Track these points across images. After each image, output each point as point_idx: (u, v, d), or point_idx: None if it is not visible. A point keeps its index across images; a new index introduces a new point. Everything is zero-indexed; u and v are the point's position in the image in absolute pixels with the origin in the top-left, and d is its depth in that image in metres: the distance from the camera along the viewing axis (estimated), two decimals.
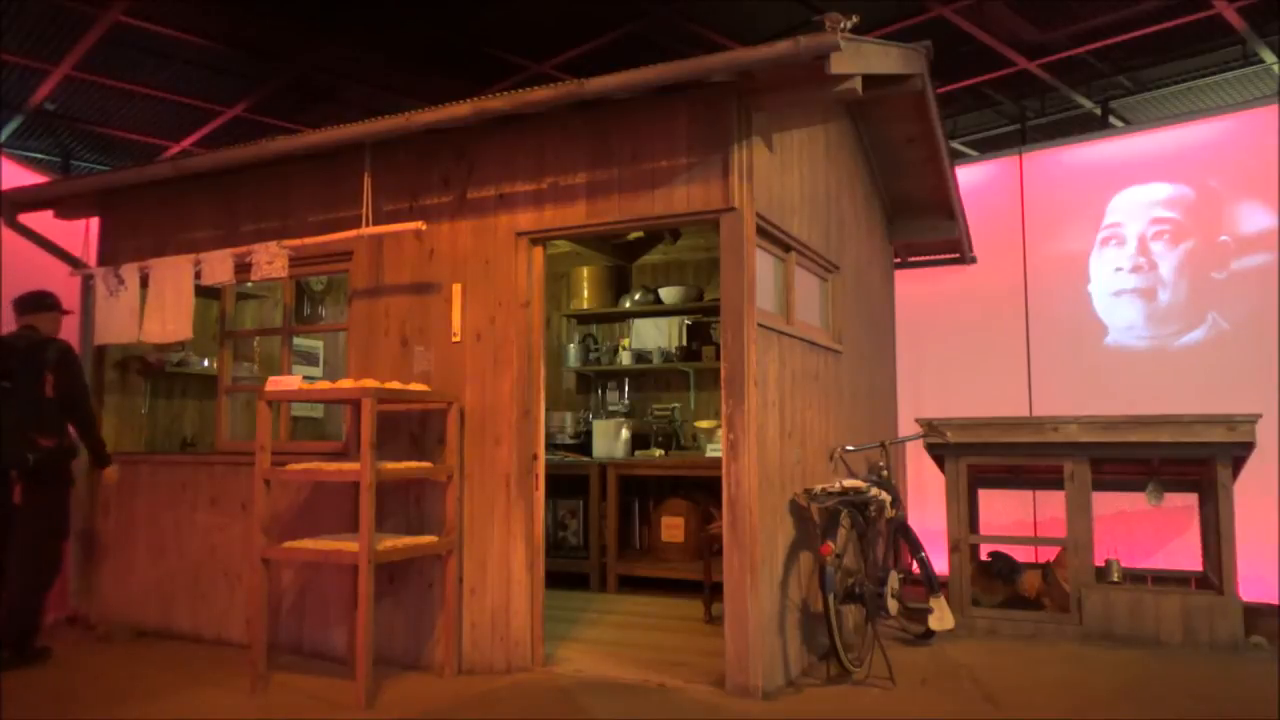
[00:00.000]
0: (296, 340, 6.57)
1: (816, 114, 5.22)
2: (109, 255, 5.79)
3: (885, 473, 5.31)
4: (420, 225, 4.63)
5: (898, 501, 5.21)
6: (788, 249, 4.86)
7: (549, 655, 4.66)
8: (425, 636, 4.61)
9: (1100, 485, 5.50)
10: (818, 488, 4.54)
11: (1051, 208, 6.96)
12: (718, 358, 4.44)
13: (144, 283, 5.33)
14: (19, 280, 5.65)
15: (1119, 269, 6.71)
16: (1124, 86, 8.42)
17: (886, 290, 6.97)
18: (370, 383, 4.20)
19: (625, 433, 6.94)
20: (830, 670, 4.44)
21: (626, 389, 7.66)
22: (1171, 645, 5.09)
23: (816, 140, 5.24)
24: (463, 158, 4.81)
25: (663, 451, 6.95)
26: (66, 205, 5.93)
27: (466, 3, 6.72)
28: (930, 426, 5.68)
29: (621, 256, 7.49)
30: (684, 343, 7.24)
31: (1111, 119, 8.78)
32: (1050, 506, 6.31)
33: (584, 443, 7.21)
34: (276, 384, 4.38)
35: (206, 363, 6.24)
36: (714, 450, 6.36)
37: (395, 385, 4.40)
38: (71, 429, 5.03)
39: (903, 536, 5.35)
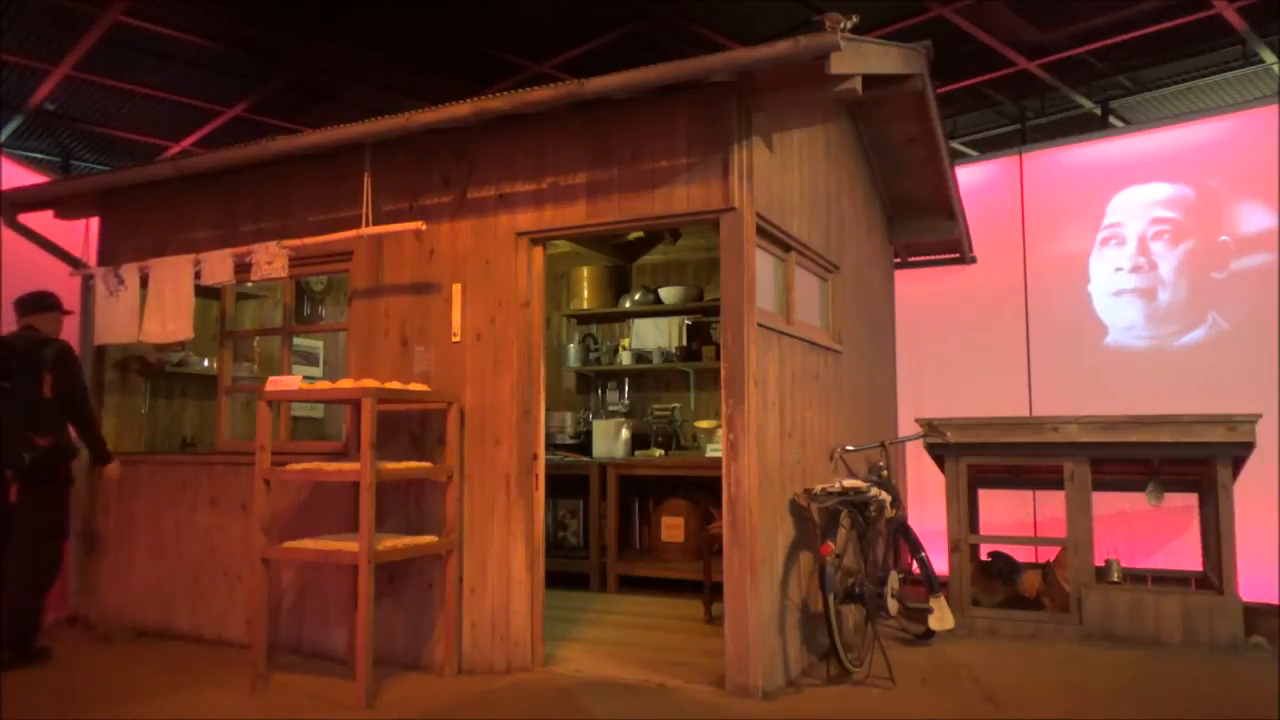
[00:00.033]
0: (296, 340, 6.56)
1: (816, 114, 5.22)
2: (109, 255, 5.79)
3: (885, 473, 5.31)
4: (420, 225, 4.63)
5: (898, 501, 5.21)
6: (788, 249, 4.86)
7: (549, 655, 4.66)
8: (425, 636, 4.61)
9: (1100, 485, 5.50)
10: (818, 488, 4.54)
11: (1051, 208, 6.96)
12: (718, 358, 4.44)
13: (144, 283, 5.33)
14: (19, 280, 5.65)
15: (1119, 269, 6.71)
16: (1124, 86, 8.42)
17: (886, 290, 6.97)
18: (370, 383, 4.20)
19: (625, 433, 6.94)
20: (830, 670, 4.44)
21: (626, 389, 7.66)
22: (1171, 645, 5.09)
23: (816, 140, 5.24)
24: (463, 158, 4.81)
25: (663, 451, 6.95)
26: (66, 205, 5.93)
27: (466, 3, 6.72)
28: (930, 426, 5.68)
29: (621, 256, 7.49)
30: (684, 343, 7.24)
31: (1111, 119, 8.78)
32: (1050, 506, 6.31)
33: (584, 443, 7.21)
34: (276, 384, 4.38)
35: (206, 363, 6.24)
36: (714, 450, 6.36)
37: (395, 385, 4.40)
38: (72, 429, 5.03)
39: (903, 536, 5.35)
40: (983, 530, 6.02)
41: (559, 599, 5.97)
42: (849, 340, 5.72)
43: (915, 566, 5.33)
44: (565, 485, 6.86)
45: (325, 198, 5.09)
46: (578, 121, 4.53)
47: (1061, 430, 5.36)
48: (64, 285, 5.63)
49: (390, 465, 4.28)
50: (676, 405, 7.35)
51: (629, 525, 7.08)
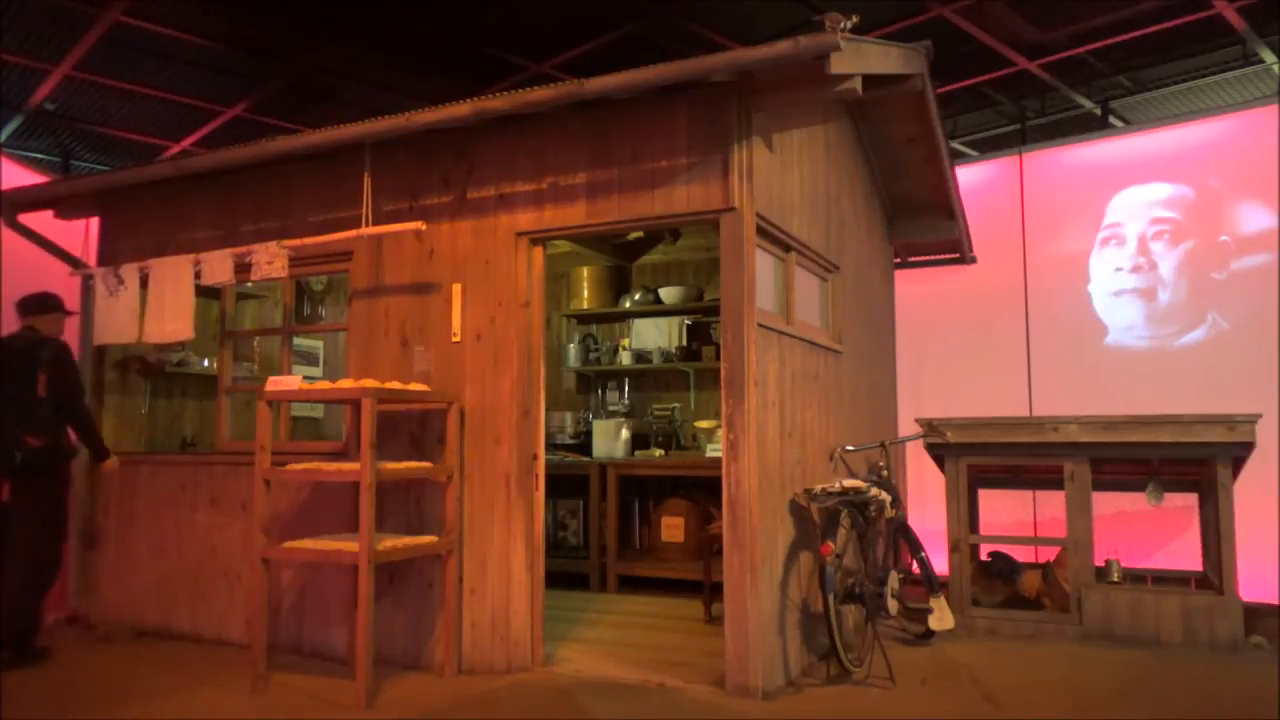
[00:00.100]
0: (296, 340, 6.57)
1: (816, 114, 5.22)
2: (109, 255, 5.79)
3: (885, 473, 5.31)
4: (420, 225, 4.63)
5: (898, 501, 5.21)
6: (788, 249, 4.86)
7: (549, 655, 4.66)
8: (425, 636, 4.61)
9: (1100, 485, 5.50)
10: (818, 488, 4.54)
11: (1051, 208, 6.96)
12: (718, 358, 4.44)
13: (144, 283, 5.33)
14: (19, 280, 5.66)
15: (1119, 269, 6.71)
16: (1124, 86, 8.42)
17: (886, 290, 6.97)
18: (370, 383, 4.20)
19: (625, 433, 6.94)
20: (830, 670, 4.44)
21: (626, 389, 7.66)
22: (1171, 645, 5.09)
23: (816, 140, 5.24)
24: (463, 158, 4.81)
25: (663, 451, 6.95)
26: (66, 205, 5.94)
27: (466, 3, 6.72)
28: (930, 426, 5.68)
29: (621, 256, 7.49)
30: (684, 343, 7.24)
31: (1111, 119, 8.78)
32: (1050, 506, 6.31)
33: (584, 443, 7.21)
34: (276, 384, 4.38)
35: (206, 363, 6.24)
36: (714, 450, 6.36)
37: (395, 385, 4.40)
38: (71, 429, 5.04)
39: (903, 536, 5.34)
40: (983, 530, 6.02)
41: (559, 599, 5.97)
42: (849, 340, 5.72)
43: (915, 566, 5.33)
44: (565, 485, 6.86)
45: (325, 198, 5.09)
46: (578, 121, 4.53)
47: (1061, 430, 5.36)
48: (64, 285, 5.63)
49: (390, 465, 4.28)
50: (676, 405, 7.35)
51: (629, 525, 7.08)
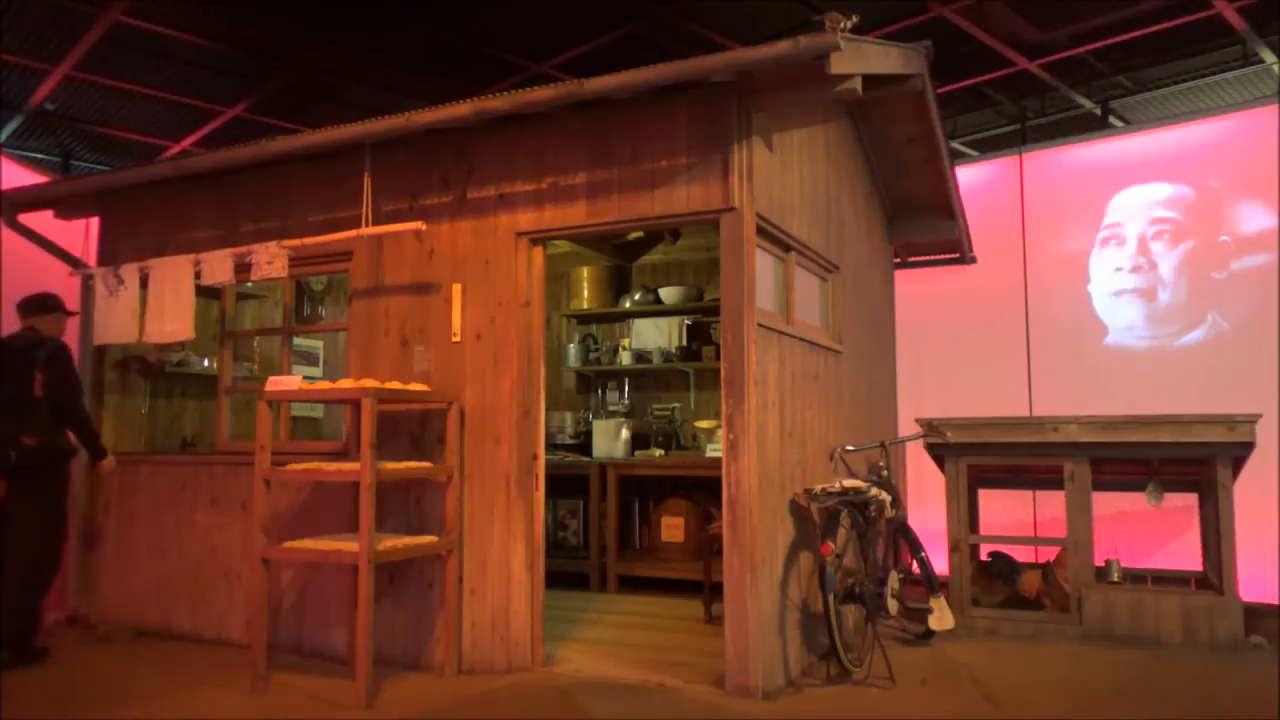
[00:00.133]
0: (296, 340, 6.57)
1: (816, 114, 5.22)
2: (109, 255, 5.79)
3: (885, 473, 5.31)
4: (420, 225, 4.63)
5: (898, 501, 5.21)
6: (788, 249, 4.86)
7: (549, 655, 4.66)
8: (425, 636, 4.61)
9: (1100, 485, 5.50)
10: (818, 488, 4.54)
11: (1051, 208, 6.96)
12: (718, 358, 4.44)
13: (144, 283, 5.33)
14: (19, 280, 5.66)
15: (1119, 269, 6.71)
16: (1124, 86, 8.42)
17: (886, 290, 6.97)
18: (370, 383, 4.20)
19: (625, 433, 6.94)
20: (830, 670, 4.44)
21: (626, 389, 7.66)
22: (1171, 645, 5.09)
23: (816, 140, 5.24)
24: (463, 158, 4.81)
25: (663, 451, 6.95)
26: (66, 205, 5.94)
27: (466, 3, 6.72)
28: (930, 426, 5.68)
29: (621, 256, 7.49)
30: (684, 343, 7.24)
31: (1111, 119, 8.78)
32: (1050, 506, 6.31)
33: (584, 443, 7.21)
34: (276, 384, 4.38)
35: (206, 363, 6.24)
36: (714, 450, 6.36)
37: (395, 385, 4.40)
38: (68, 429, 5.04)
39: (903, 536, 5.34)
40: (983, 530, 6.02)
41: (559, 599, 5.97)
42: (849, 340, 5.72)
43: (915, 566, 5.33)
44: (565, 485, 6.86)
45: (325, 198, 5.09)
46: (578, 121, 4.53)
47: (1061, 430, 5.36)
48: (64, 285, 5.63)
49: (390, 465, 4.28)
50: (676, 405, 7.35)
51: (629, 525, 7.08)
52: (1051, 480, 5.65)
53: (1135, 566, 5.88)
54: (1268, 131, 6.18)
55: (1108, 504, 5.92)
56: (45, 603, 5.02)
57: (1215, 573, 5.26)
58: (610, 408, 7.56)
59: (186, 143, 9.35)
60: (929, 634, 5.15)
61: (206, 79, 7.98)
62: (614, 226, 4.55)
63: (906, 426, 6.65)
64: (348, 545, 4.13)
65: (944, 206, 6.65)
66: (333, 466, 4.31)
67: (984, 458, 5.65)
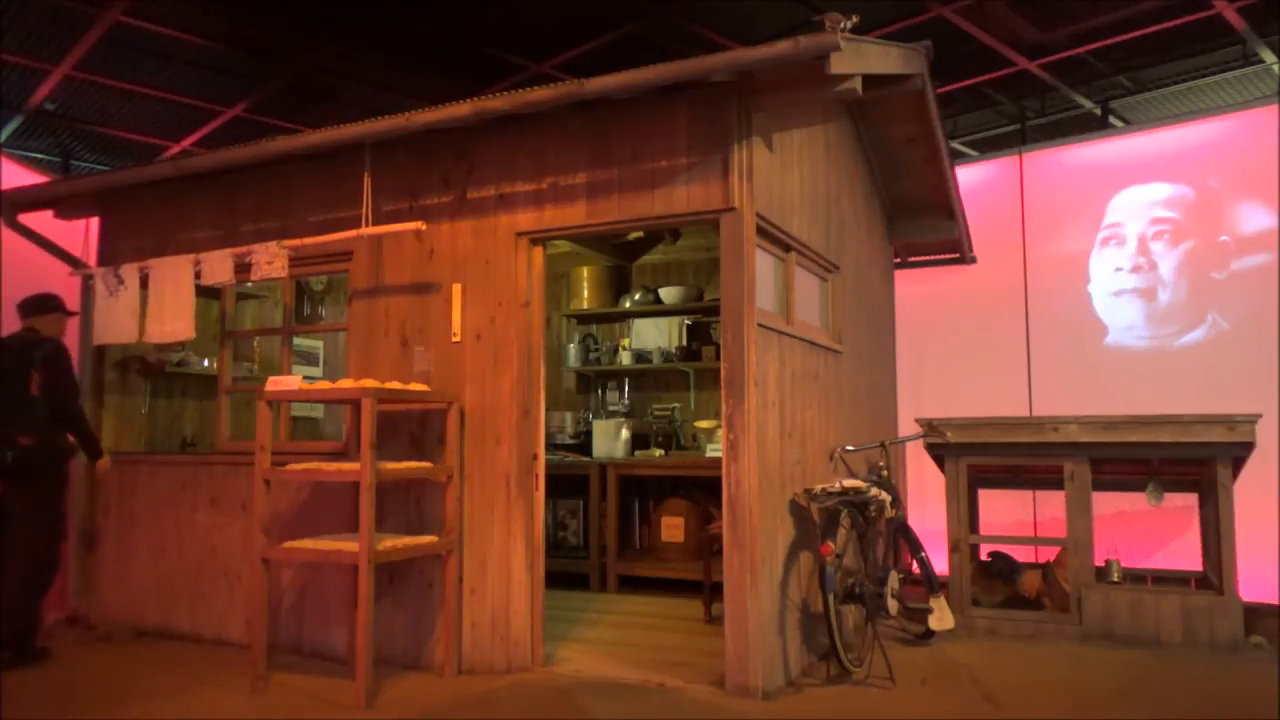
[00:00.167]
0: (296, 340, 6.57)
1: (816, 114, 5.22)
2: (109, 255, 5.79)
3: (885, 473, 5.31)
4: (420, 225, 4.63)
5: (898, 501, 5.21)
6: (788, 249, 4.86)
7: (549, 655, 4.66)
8: (425, 636, 4.61)
9: (1100, 485, 5.50)
10: (818, 488, 4.54)
11: (1051, 208, 6.96)
12: (718, 358, 4.44)
13: (144, 283, 5.33)
14: (19, 280, 5.66)
15: (1119, 269, 6.71)
16: (1124, 86, 8.42)
17: (886, 290, 6.97)
18: (370, 383, 4.20)
19: (625, 433, 6.94)
20: (830, 670, 4.44)
21: (626, 389, 7.66)
22: (1171, 645, 5.09)
23: (816, 140, 5.24)
24: (463, 158, 4.81)
25: (663, 451, 6.95)
26: (66, 205, 5.93)
27: (466, 3, 6.72)
28: (930, 426, 5.68)
29: (621, 256, 7.49)
30: (684, 343, 7.24)
31: (1111, 119, 8.78)
32: (1050, 506, 6.31)
33: (584, 443, 7.21)
34: (276, 384, 4.38)
35: (206, 363, 6.24)
36: (714, 450, 6.36)
37: (395, 385, 4.40)
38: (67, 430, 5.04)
39: (903, 536, 5.34)
40: (983, 530, 6.02)
41: (559, 599, 5.97)
42: (849, 340, 5.72)
43: (915, 566, 5.33)
44: (565, 485, 6.86)
45: (325, 198, 5.09)
46: (578, 121, 4.53)
47: (1061, 430, 5.36)
48: (64, 285, 5.63)
49: (390, 465, 4.28)
50: (676, 405, 7.35)
51: (629, 525, 7.08)
52: (1051, 480, 5.65)
53: (1135, 566, 5.88)
54: (1268, 131, 6.18)
55: (1108, 504, 5.92)
56: (45, 603, 5.02)
57: (1215, 573, 5.26)
58: (610, 408, 7.56)
59: (186, 143, 9.35)
60: (929, 634, 5.15)
61: (206, 79, 7.98)
62: (614, 226, 4.55)
63: (906, 426, 6.65)
64: (348, 545, 4.13)
65: (944, 206, 6.65)
66: (333, 466, 4.31)
67: (984, 458, 5.65)
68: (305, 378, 4.68)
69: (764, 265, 4.49)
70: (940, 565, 5.50)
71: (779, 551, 4.44)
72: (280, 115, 8.75)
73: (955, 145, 9.16)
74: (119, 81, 7.91)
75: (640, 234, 6.62)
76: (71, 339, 5.38)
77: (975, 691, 4.26)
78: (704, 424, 6.88)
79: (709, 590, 5.55)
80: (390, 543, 4.19)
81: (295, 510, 4.98)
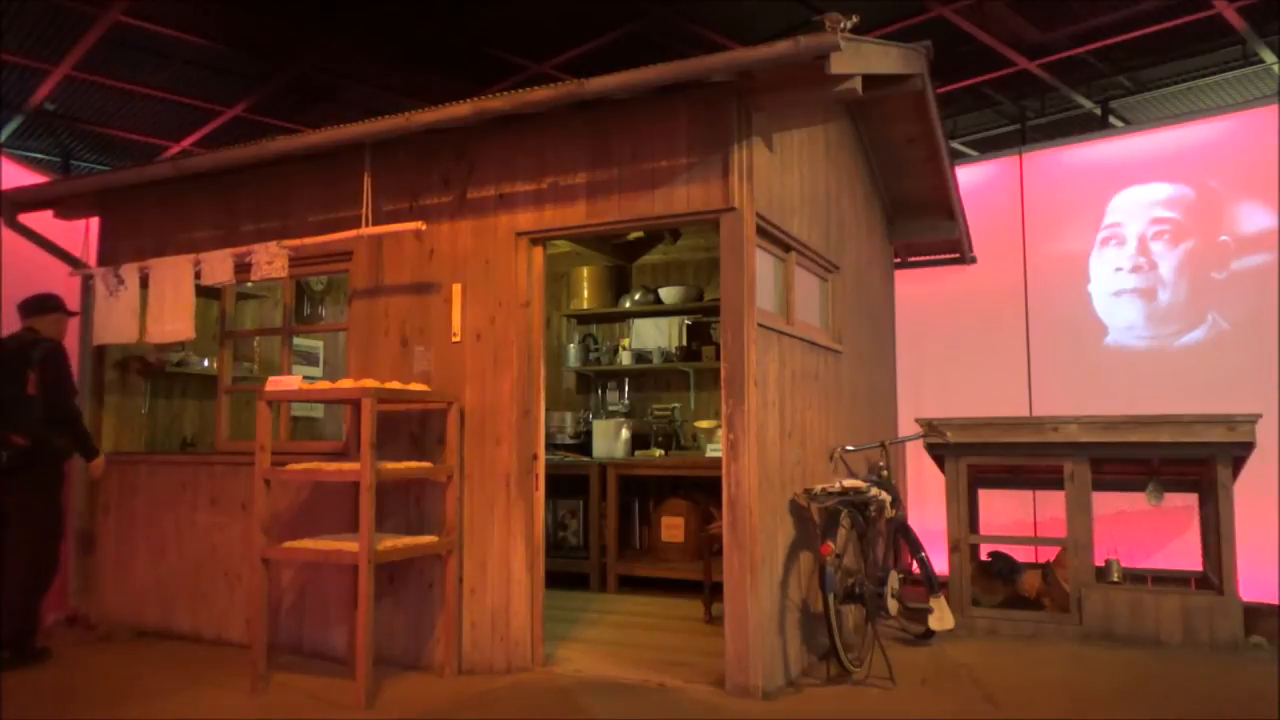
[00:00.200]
0: (296, 340, 6.57)
1: (816, 114, 5.22)
2: (109, 255, 5.79)
3: (885, 473, 5.31)
4: (420, 225, 4.63)
5: (898, 501, 5.21)
6: (788, 249, 4.86)
7: (549, 655, 4.66)
8: (425, 636, 4.61)
9: (1100, 485, 5.50)
10: (818, 488, 4.54)
11: (1051, 208, 6.96)
12: (718, 358, 4.44)
13: (144, 283, 5.33)
14: (19, 280, 5.66)
15: (1119, 269, 6.71)
16: (1124, 86, 8.42)
17: (886, 290, 6.97)
18: (370, 383, 4.20)
19: (625, 433, 6.94)
20: (830, 670, 4.44)
21: (626, 389, 7.66)
22: (1171, 645, 5.09)
23: (816, 140, 5.24)
24: (463, 158, 4.81)
25: (663, 451, 6.95)
26: (66, 205, 5.93)
27: (466, 3, 6.72)
28: (930, 426, 5.68)
29: (621, 256, 7.49)
30: (684, 343, 7.24)
31: (1111, 119, 8.78)
32: (1050, 506, 6.31)
33: (584, 443, 7.21)
34: (276, 384, 4.38)
35: (206, 363, 6.24)
36: (714, 450, 6.36)
37: (395, 385, 4.40)
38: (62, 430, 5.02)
39: (903, 536, 5.34)
40: (983, 530, 6.02)
41: (559, 599, 5.98)
42: (849, 340, 5.72)
43: (915, 566, 5.33)
44: (565, 485, 6.86)
45: (325, 198, 5.09)
46: (578, 121, 4.53)
47: (1061, 430, 5.36)
48: (64, 285, 5.63)
49: (390, 465, 4.28)
50: (676, 405, 7.35)
51: (629, 525, 7.08)
52: (1051, 480, 5.65)
53: (1135, 566, 5.87)
54: (1268, 131, 6.18)
55: (1108, 504, 5.92)
56: (45, 603, 5.02)
57: (1215, 573, 5.26)
58: (610, 408, 7.56)
59: (186, 143, 9.35)
60: (929, 634, 5.15)
61: (206, 79, 7.98)
62: (614, 226, 4.55)
63: (906, 426, 6.65)
64: (348, 545, 4.13)
65: (944, 206, 6.65)
66: (333, 466, 4.31)
67: (984, 458, 5.65)
68: (305, 378, 4.68)
69: (764, 265, 4.49)
70: (940, 565, 5.50)
71: (779, 551, 4.44)
72: (280, 115, 8.75)
73: (955, 145, 9.16)
74: (119, 81, 7.91)
75: (640, 234, 6.63)
76: (71, 339, 5.37)
77: (975, 691, 4.26)
78: (704, 424, 6.88)
79: (709, 590, 5.55)
80: (390, 543, 4.19)
81: (295, 510, 4.98)
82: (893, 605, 4.67)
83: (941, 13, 6.81)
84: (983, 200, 7.08)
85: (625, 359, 7.40)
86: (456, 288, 4.72)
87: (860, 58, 4.09)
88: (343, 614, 4.79)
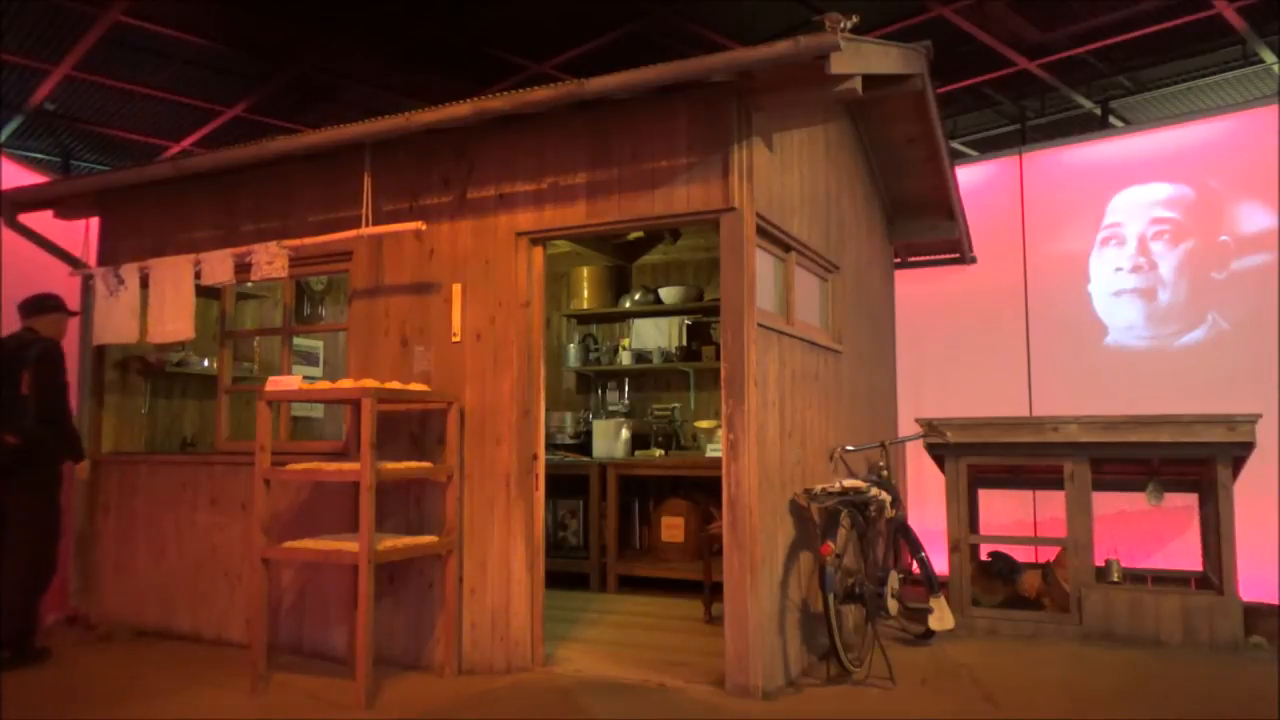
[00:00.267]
0: (296, 340, 6.57)
1: (816, 114, 5.22)
2: (109, 255, 5.79)
3: (885, 473, 5.31)
4: (420, 225, 4.63)
5: (898, 501, 5.21)
6: (788, 249, 4.86)
7: (549, 655, 4.66)
8: (425, 636, 4.61)
9: (1100, 485, 5.50)
10: (818, 488, 4.54)
11: (1051, 208, 6.96)
12: (718, 358, 4.44)
13: (144, 283, 5.33)
14: (19, 280, 5.66)
15: (1119, 269, 6.71)
16: (1124, 86, 8.42)
17: (886, 290, 6.97)
18: (370, 383, 4.20)
19: (625, 433, 6.94)
20: (830, 670, 4.44)
21: (626, 389, 7.66)
22: (1171, 645, 5.09)
23: (816, 140, 5.24)
24: (463, 158, 4.81)
25: (663, 451, 6.95)
26: (66, 205, 5.94)
27: (466, 3, 6.72)
28: (930, 426, 5.68)
29: (621, 256, 7.49)
30: (684, 343, 7.24)
31: (1111, 119, 8.78)
32: (1050, 506, 6.31)
33: (584, 443, 7.21)
34: (276, 384, 4.38)
35: (206, 363, 6.24)
36: (714, 450, 6.36)
37: (395, 385, 4.40)
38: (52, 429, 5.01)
39: (903, 536, 5.34)
40: (983, 530, 6.02)
41: (559, 599, 5.98)
42: (849, 340, 5.72)
43: (915, 566, 5.33)
44: (565, 485, 6.86)
45: (325, 198, 5.09)
46: (578, 121, 4.53)
47: (1061, 430, 5.36)
48: (64, 285, 5.63)
49: (390, 465, 4.28)
50: (676, 405, 7.35)
51: (629, 525, 7.08)
52: (1051, 480, 5.65)
53: (1135, 566, 5.87)
54: (1268, 131, 6.19)
55: (1108, 504, 5.92)
56: (44, 602, 5.01)
57: (1215, 573, 5.26)
58: (610, 408, 7.56)
59: (186, 143, 9.35)
60: (929, 634, 5.15)
61: (206, 79, 7.98)
62: (614, 226, 4.55)
63: (906, 426, 6.65)
64: (348, 545, 4.13)
65: (944, 206, 6.65)
66: (333, 466, 4.31)
67: (984, 458, 5.65)
68: (305, 378, 4.68)
69: (764, 265, 4.49)
70: (940, 565, 5.50)
71: (779, 551, 4.44)
72: (280, 115, 8.75)
73: (955, 145, 9.16)
74: (119, 81, 7.91)
75: (640, 234, 6.62)
76: (71, 339, 5.37)
77: (975, 691, 4.26)
78: (704, 424, 6.88)
79: (709, 590, 5.55)
80: (390, 543, 4.19)
81: (295, 510, 4.98)
82: (893, 605, 4.67)
83: (941, 13, 6.81)
84: (983, 200, 7.08)
85: (625, 359, 7.40)
86: (456, 288, 4.72)
87: (860, 58, 4.10)
88: (343, 614, 4.79)
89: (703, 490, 6.63)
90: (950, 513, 5.65)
